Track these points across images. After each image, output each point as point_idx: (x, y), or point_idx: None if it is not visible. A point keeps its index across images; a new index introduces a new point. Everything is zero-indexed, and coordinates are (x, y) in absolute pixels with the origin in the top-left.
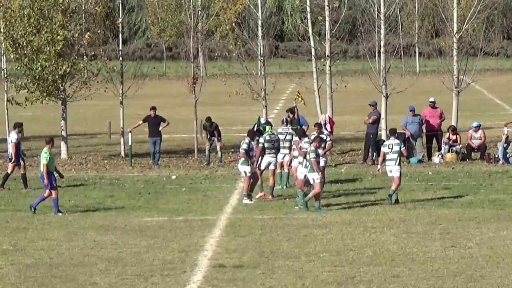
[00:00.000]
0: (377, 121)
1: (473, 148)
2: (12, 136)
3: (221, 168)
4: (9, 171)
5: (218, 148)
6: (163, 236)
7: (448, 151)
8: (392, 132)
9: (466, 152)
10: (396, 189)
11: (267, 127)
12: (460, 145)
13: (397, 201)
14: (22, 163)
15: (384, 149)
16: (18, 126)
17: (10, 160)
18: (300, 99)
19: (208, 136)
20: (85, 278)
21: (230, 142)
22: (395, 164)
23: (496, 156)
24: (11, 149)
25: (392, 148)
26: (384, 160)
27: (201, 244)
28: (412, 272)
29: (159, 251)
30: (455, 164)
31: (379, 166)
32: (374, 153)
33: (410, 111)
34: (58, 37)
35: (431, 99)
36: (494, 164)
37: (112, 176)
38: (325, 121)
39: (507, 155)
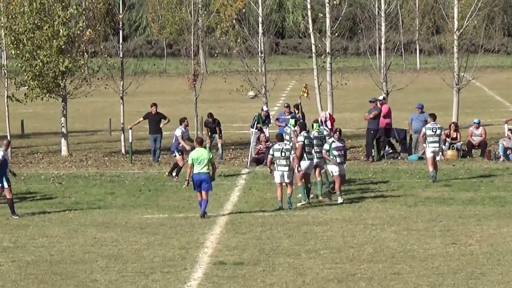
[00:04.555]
0: (378, 117)
1: (473, 145)
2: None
3: (222, 165)
4: (180, 164)
5: (219, 145)
6: (163, 233)
7: (449, 148)
8: (433, 116)
9: (466, 149)
10: (436, 169)
11: (314, 125)
12: (461, 142)
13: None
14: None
15: (428, 132)
16: (183, 121)
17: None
18: (305, 94)
19: (209, 133)
20: (86, 275)
21: (230, 139)
22: (439, 146)
23: (497, 153)
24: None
25: (435, 132)
26: (425, 141)
27: (201, 241)
28: (413, 269)
29: (160, 248)
30: (456, 161)
31: (424, 145)
32: (374, 150)
33: (418, 108)
34: (60, 33)
35: (380, 97)
36: (495, 161)
37: (112, 173)
38: (325, 118)
39: (507, 152)
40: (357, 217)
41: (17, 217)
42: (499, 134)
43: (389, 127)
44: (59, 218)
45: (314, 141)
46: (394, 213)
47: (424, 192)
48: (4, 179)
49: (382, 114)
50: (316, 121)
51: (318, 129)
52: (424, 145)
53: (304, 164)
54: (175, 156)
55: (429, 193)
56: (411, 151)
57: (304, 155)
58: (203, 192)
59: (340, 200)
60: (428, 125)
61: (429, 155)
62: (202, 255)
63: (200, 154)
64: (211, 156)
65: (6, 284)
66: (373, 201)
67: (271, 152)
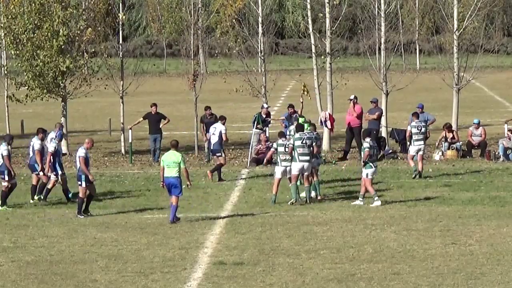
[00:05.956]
0: (380, 117)
1: (473, 145)
2: (220, 127)
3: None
4: (222, 162)
5: None
6: (163, 233)
7: (448, 148)
8: (416, 115)
9: (466, 149)
10: (422, 166)
11: (306, 125)
12: (461, 142)
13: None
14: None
15: (413, 130)
16: (222, 119)
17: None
18: (306, 92)
19: (205, 130)
20: (85, 275)
21: (230, 139)
22: (424, 144)
23: (497, 153)
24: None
25: (420, 130)
26: (411, 139)
27: (201, 241)
28: (413, 269)
29: (159, 248)
30: (456, 161)
31: (408, 143)
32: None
33: (418, 108)
34: (60, 32)
35: (351, 97)
36: (495, 161)
37: (112, 173)
38: (325, 118)
39: (507, 152)
40: (357, 217)
41: (82, 216)
42: (499, 134)
43: (361, 127)
44: (59, 218)
45: (300, 142)
46: (394, 213)
47: (424, 192)
48: (82, 177)
49: (356, 115)
50: (306, 122)
51: (307, 129)
52: (409, 143)
53: (296, 166)
54: (220, 155)
55: (429, 193)
56: None
57: (296, 156)
58: (173, 197)
59: (376, 203)
60: (413, 123)
61: (412, 152)
62: (202, 255)
63: (169, 157)
64: (180, 160)
65: (6, 284)
66: (373, 201)
67: (274, 145)
